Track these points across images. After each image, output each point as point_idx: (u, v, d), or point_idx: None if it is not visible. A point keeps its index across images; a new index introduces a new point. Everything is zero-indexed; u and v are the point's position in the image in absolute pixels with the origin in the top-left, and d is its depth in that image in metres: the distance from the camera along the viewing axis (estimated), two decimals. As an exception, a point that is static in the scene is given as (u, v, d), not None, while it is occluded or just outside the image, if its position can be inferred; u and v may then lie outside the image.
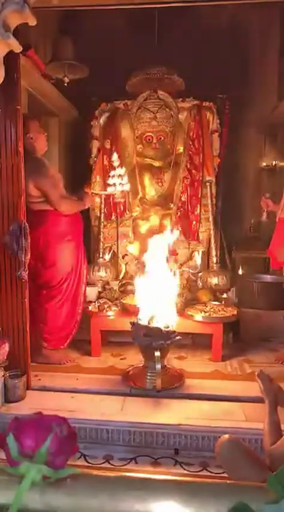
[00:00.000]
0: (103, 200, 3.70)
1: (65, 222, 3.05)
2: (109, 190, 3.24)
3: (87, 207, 3.19)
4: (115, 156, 3.33)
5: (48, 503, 0.53)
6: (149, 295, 2.81)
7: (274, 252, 3.23)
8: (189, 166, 3.73)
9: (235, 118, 3.86)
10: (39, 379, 2.82)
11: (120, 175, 3.17)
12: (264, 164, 4.84)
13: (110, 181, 3.22)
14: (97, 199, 3.70)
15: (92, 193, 3.19)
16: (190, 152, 3.73)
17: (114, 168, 3.22)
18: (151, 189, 3.82)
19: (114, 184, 3.16)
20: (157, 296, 2.79)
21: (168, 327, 2.69)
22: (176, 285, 2.93)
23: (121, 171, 3.19)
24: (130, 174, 3.79)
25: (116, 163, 3.25)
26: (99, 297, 3.47)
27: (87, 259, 3.26)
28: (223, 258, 3.91)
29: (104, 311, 3.28)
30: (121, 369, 2.98)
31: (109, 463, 2.25)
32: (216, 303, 3.40)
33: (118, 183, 3.15)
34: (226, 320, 3.22)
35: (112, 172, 3.23)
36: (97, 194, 3.28)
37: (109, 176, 3.28)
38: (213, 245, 3.68)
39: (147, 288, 2.83)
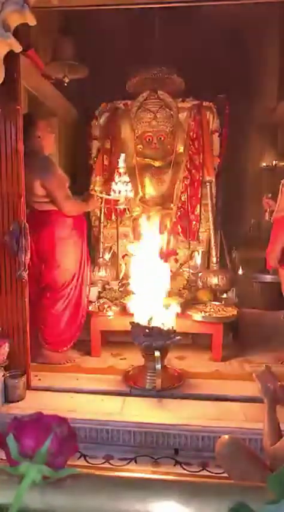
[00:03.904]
0: (103, 201, 3.69)
1: (70, 223, 3.02)
2: (113, 196, 3.17)
3: (90, 209, 3.13)
4: (122, 161, 3.20)
5: (48, 503, 0.53)
6: (144, 290, 2.82)
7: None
8: (189, 166, 3.73)
9: (235, 118, 3.85)
10: (39, 379, 2.82)
11: (125, 182, 3.13)
12: (264, 164, 4.84)
13: (115, 187, 3.16)
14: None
15: (97, 196, 3.14)
16: (190, 152, 3.73)
17: (120, 174, 3.16)
18: (151, 189, 3.81)
19: (120, 192, 3.11)
20: (152, 291, 2.80)
21: (164, 324, 2.70)
22: (167, 276, 2.93)
23: (126, 178, 3.16)
24: (130, 174, 3.79)
25: (122, 169, 3.17)
26: (99, 297, 3.47)
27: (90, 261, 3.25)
28: (223, 258, 3.91)
29: (104, 311, 3.28)
30: (121, 369, 2.98)
31: (109, 463, 2.25)
32: (216, 303, 3.40)
33: (124, 189, 3.11)
34: (226, 320, 3.22)
35: (117, 179, 3.16)
36: (102, 197, 3.20)
37: (114, 182, 3.21)
38: (212, 245, 3.67)
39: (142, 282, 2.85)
